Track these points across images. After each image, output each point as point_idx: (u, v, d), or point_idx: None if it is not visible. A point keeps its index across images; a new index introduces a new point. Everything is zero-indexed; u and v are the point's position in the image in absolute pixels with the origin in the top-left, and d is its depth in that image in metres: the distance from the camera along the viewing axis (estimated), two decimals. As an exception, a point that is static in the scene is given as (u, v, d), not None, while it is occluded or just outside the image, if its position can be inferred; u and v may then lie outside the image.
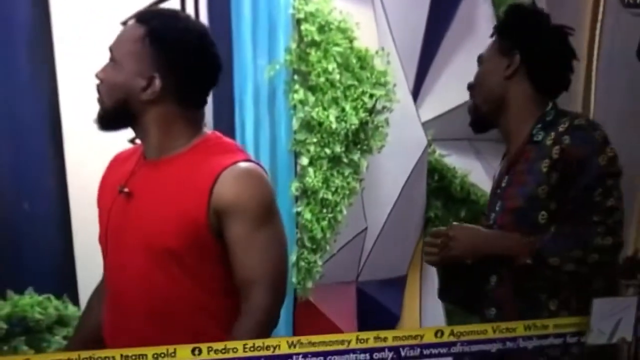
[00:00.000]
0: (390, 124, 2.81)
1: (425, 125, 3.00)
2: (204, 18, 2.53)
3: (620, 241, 1.64)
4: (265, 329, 1.50)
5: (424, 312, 3.17)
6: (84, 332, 1.70)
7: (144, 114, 1.51)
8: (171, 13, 1.56)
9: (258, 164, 1.54)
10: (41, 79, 2.39)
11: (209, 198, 1.45)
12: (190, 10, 2.51)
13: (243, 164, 1.49)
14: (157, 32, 1.47)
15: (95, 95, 1.53)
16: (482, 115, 1.79)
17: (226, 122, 2.60)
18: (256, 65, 2.62)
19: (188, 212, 1.46)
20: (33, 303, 2.34)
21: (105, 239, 1.58)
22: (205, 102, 1.57)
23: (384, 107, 2.79)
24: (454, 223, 1.79)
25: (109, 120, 1.53)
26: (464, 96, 3.06)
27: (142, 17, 1.52)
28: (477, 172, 3.15)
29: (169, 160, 1.51)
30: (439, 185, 3.11)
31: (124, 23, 2.40)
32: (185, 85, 1.50)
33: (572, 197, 1.64)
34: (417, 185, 3.02)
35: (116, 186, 1.55)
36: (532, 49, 1.72)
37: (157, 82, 1.47)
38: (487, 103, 1.76)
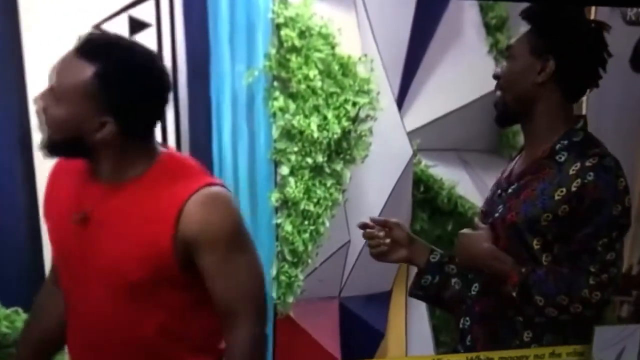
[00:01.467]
0: (374, 133, 2.77)
1: (411, 134, 2.94)
2: (180, 22, 2.48)
3: (608, 299, 1.60)
4: (258, 357, 1.51)
5: (410, 329, 3.10)
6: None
7: (97, 150, 1.45)
8: (120, 46, 1.46)
9: (222, 185, 1.50)
10: (9, 90, 2.34)
11: (176, 229, 1.42)
12: (165, 15, 2.46)
13: (207, 190, 1.45)
14: (108, 73, 1.39)
15: (38, 121, 1.46)
16: (509, 112, 1.73)
17: (203, 130, 2.55)
18: (234, 71, 2.56)
19: (153, 243, 1.42)
20: (0, 317, 2.32)
21: (62, 264, 1.53)
22: (156, 125, 1.52)
23: (367, 116, 2.75)
24: (464, 231, 1.74)
25: (58, 151, 1.47)
26: (451, 105, 3.07)
27: (89, 53, 1.42)
28: (464, 183, 3.09)
29: (128, 185, 1.46)
30: (425, 197, 3.05)
31: (97, 27, 2.37)
32: (139, 121, 1.45)
33: (578, 239, 1.60)
34: (403, 197, 2.95)
35: (67, 207, 1.49)
36: (567, 56, 1.65)
37: (110, 126, 1.41)
38: (515, 102, 1.70)
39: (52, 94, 1.43)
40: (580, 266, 1.60)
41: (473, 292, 1.74)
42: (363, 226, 1.86)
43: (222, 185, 1.51)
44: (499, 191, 1.76)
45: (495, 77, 1.75)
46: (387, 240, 1.81)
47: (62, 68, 1.44)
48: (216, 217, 1.44)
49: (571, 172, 1.61)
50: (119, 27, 2.37)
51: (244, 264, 1.48)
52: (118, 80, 1.40)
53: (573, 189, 1.59)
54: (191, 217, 1.42)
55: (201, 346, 1.53)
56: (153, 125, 1.50)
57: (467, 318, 1.74)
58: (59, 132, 1.43)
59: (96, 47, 1.43)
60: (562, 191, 1.60)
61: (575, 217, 1.60)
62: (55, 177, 1.59)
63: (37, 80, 2.25)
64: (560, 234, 1.62)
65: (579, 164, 1.61)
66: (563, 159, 1.64)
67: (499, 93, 1.74)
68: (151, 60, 1.47)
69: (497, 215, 1.70)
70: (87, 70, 1.39)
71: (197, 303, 1.50)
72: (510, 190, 1.71)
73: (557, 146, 1.66)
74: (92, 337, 1.51)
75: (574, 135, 1.67)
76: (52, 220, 1.57)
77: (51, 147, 1.46)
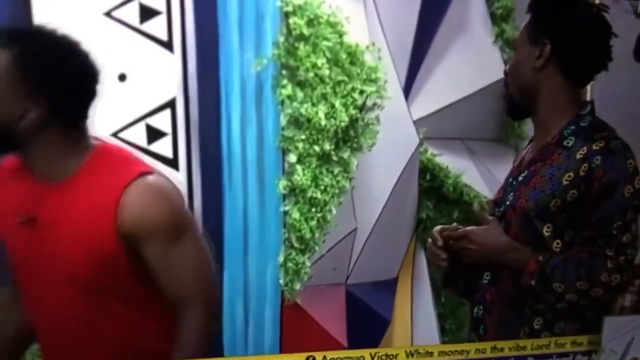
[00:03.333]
0: (381, 122, 2.77)
1: (417, 123, 2.95)
2: (190, 10, 2.48)
3: (627, 280, 1.59)
4: (205, 346, 1.47)
5: (415, 316, 3.11)
6: None
7: (27, 142, 1.42)
8: (38, 31, 1.44)
9: (157, 172, 1.48)
10: None
11: (116, 223, 1.40)
12: (175, 2, 2.47)
13: (141, 180, 1.43)
14: (25, 57, 1.37)
15: None
16: (516, 104, 1.74)
17: (212, 118, 2.56)
18: (243, 59, 2.57)
19: (97, 239, 1.40)
20: None
21: (16, 265, 1.51)
22: (87, 115, 1.48)
23: (374, 104, 2.75)
24: (472, 228, 1.72)
25: None
26: (457, 94, 3.08)
27: (5, 39, 1.40)
28: (470, 172, 3.09)
29: (67, 183, 1.44)
30: (430, 186, 3.05)
31: (107, 14, 2.38)
32: (64, 107, 1.41)
33: (591, 223, 1.59)
34: (409, 185, 2.96)
35: (10, 209, 1.46)
36: (563, 38, 1.65)
37: (33, 113, 1.38)
38: (519, 93, 1.71)
39: None
40: (597, 250, 1.58)
41: (485, 281, 1.73)
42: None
43: (157, 173, 1.48)
44: (510, 179, 1.76)
45: (505, 73, 1.77)
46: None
47: None
48: (154, 207, 1.42)
49: (578, 157, 1.60)
50: (130, 15, 2.38)
51: (187, 252, 1.46)
52: (35, 63, 1.37)
53: (581, 173, 1.58)
54: (129, 210, 1.40)
55: (163, 335, 1.50)
56: (79, 113, 1.46)
57: (480, 307, 1.74)
58: None
59: (12, 33, 1.41)
60: (569, 176, 1.59)
61: (585, 202, 1.59)
62: None
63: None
64: (571, 219, 1.61)
65: (585, 148, 1.60)
66: (571, 143, 1.63)
67: (505, 89, 1.75)
68: (71, 44, 1.43)
69: (507, 203, 1.69)
70: (4, 55, 1.37)
71: (153, 294, 1.48)
72: (520, 178, 1.71)
73: (565, 131, 1.65)
74: (57, 337, 1.50)
75: (582, 120, 1.67)
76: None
77: None
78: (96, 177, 1.44)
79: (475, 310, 1.76)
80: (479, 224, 1.74)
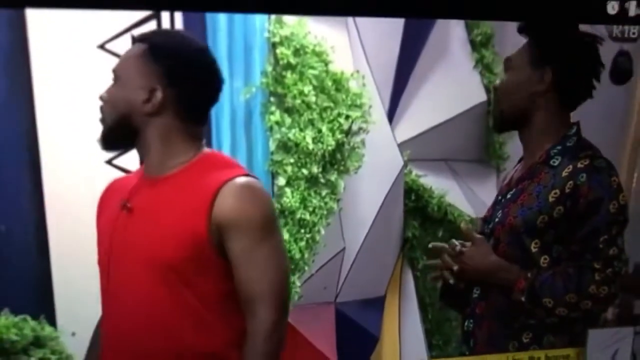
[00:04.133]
0: (366, 145, 2.82)
1: (402, 146, 3.02)
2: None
3: (615, 292, 1.63)
4: (277, 346, 1.50)
5: (403, 332, 3.15)
6: None
7: (146, 129, 1.52)
8: (172, 31, 1.64)
9: (257, 178, 1.55)
10: (18, 99, 2.39)
11: (210, 213, 1.46)
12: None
13: (242, 178, 1.50)
14: (157, 46, 1.51)
15: (99, 116, 1.56)
16: (505, 120, 1.75)
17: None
18: (232, 87, 2.64)
19: (189, 227, 1.46)
20: (9, 324, 2.33)
21: (106, 258, 1.56)
22: (205, 119, 1.59)
23: (360, 129, 2.81)
24: (467, 248, 1.73)
25: (112, 138, 1.54)
26: (440, 117, 3.14)
27: (143, 36, 1.55)
28: (454, 192, 3.15)
29: (170, 177, 1.52)
30: (416, 206, 3.11)
31: (101, 46, 2.44)
32: (186, 98, 1.52)
33: (578, 239, 1.62)
34: (395, 206, 3.02)
35: (118, 205, 1.56)
36: (566, 66, 1.68)
37: (159, 94, 1.50)
38: (512, 111, 1.73)
39: (112, 85, 1.54)
40: (584, 264, 1.60)
41: (475, 295, 1.75)
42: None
43: (256, 177, 1.55)
44: (499, 197, 1.78)
45: (494, 88, 1.77)
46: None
47: (123, 55, 1.55)
48: (249, 203, 1.47)
49: (564, 174, 1.63)
50: (122, 46, 2.43)
51: (270, 252, 1.48)
52: (166, 52, 1.50)
53: (567, 190, 1.61)
54: (225, 202, 1.45)
55: (234, 341, 1.53)
56: (198, 107, 1.55)
57: (471, 320, 1.76)
58: (112, 114, 1.51)
59: (151, 31, 1.58)
60: (555, 193, 1.62)
61: (571, 218, 1.61)
62: (110, 188, 1.67)
63: (44, 89, 2.36)
64: (558, 235, 1.63)
65: (571, 166, 1.63)
66: (557, 162, 1.66)
67: (494, 103, 1.76)
68: (202, 47, 1.56)
69: (496, 220, 1.72)
70: (141, 47, 1.52)
71: (228, 298, 1.51)
72: (508, 196, 1.73)
73: (552, 151, 1.68)
74: (124, 323, 1.52)
75: (568, 140, 1.70)
76: (103, 220, 1.61)
77: (106, 136, 1.53)
78: (199, 173, 1.51)
79: (465, 324, 1.78)
80: (465, 242, 1.77)
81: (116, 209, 1.56)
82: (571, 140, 1.70)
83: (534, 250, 1.65)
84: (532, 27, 1.72)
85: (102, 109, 1.56)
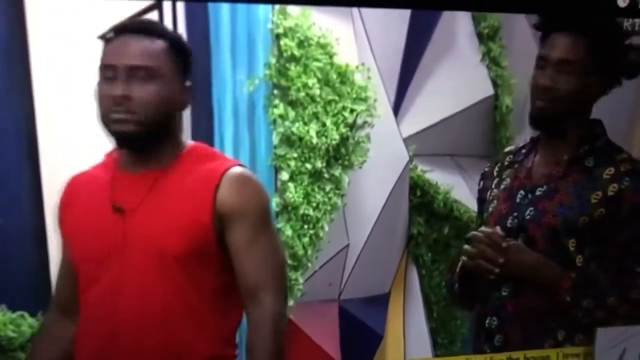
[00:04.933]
0: (371, 140, 2.81)
1: (407, 140, 3.00)
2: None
3: None
4: (283, 333, 1.51)
5: (408, 331, 3.14)
6: None
7: (172, 125, 1.53)
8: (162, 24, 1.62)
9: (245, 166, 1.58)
10: (16, 93, 2.36)
11: (214, 203, 1.47)
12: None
13: (239, 168, 1.52)
14: (176, 43, 1.51)
15: (123, 116, 1.45)
16: (551, 120, 1.70)
17: (205, 137, 2.58)
18: (235, 80, 2.62)
19: (195, 219, 1.47)
20: (6, 321, 2.31)
21: (99, 261, 1.52)
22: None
23: (364, 123, 2.80)
24: (511, 243, 1.67)
25: (146, 138, 1.47)
26: (445, 111, 3.13)
27: (148, 30, 1.49)
28: (459, 188, 3.14)
29: (163, 171, 1.50)
30: (421, 202, 3.10)
31: (102, 37, 2.41)
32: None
33: (620, 242, 1.63)
34: (399, 201, 3.00)
35: (99, 205, 1.50)
36: (618, 74, 1.70)
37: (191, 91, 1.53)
38: (565, 113, 1.69)
39: (136, 80, 1.45)
40: (626, 268, 1.61)
41: (504, 293, 1.72)
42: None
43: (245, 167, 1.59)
44: (523, 192, 1.74)
45: (544, 88, 1.69)
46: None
47: (139, 49, 1.46)
48: (251, 193, 1.50)
49: (605, 177, 1.64)
50: None
51: (270, 242, 1.51)
52: (184, 48, 1.52)
53: (610, 193, 1.62)
54: (228, 192, 1.47)
55: (226, 335, 1.54)
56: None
57: (495, 318, 1.73)
58: (155, 114, 1.46)
59: (150, 24, 1.57)
60: (597, 195, 1.63)
61: (612, 220, 1.62)
62: (72, 187, 1.59)
63: (43, 82, 2.34)
64: (596, 236, 1.64)
65: (612, 169, 1.64)
66: (592, 163, 1.67)
67: (544, 102, 1.69)
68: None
69: (528, 217, 1.69)
70: (160, 43, 1.47)
71: (227, 290, 1.52)
72: (538, 192, 1.71)
73: (581, 150, 1.68)
74: (122, 324, 1.49)
75: (596, 140, 1.70)
76: (83, 222, 1.55)
77: (139, 137, 1.46)
78: (193, 165, 1.52)
79: (487, 321, 1.74)
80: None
81: (99, 210, 1.50)
82: (599, 140, 1.71)
83: (571, 248, 1.65)
84: (584, 26, 1.67)
85: (130, 108, 1.46)
